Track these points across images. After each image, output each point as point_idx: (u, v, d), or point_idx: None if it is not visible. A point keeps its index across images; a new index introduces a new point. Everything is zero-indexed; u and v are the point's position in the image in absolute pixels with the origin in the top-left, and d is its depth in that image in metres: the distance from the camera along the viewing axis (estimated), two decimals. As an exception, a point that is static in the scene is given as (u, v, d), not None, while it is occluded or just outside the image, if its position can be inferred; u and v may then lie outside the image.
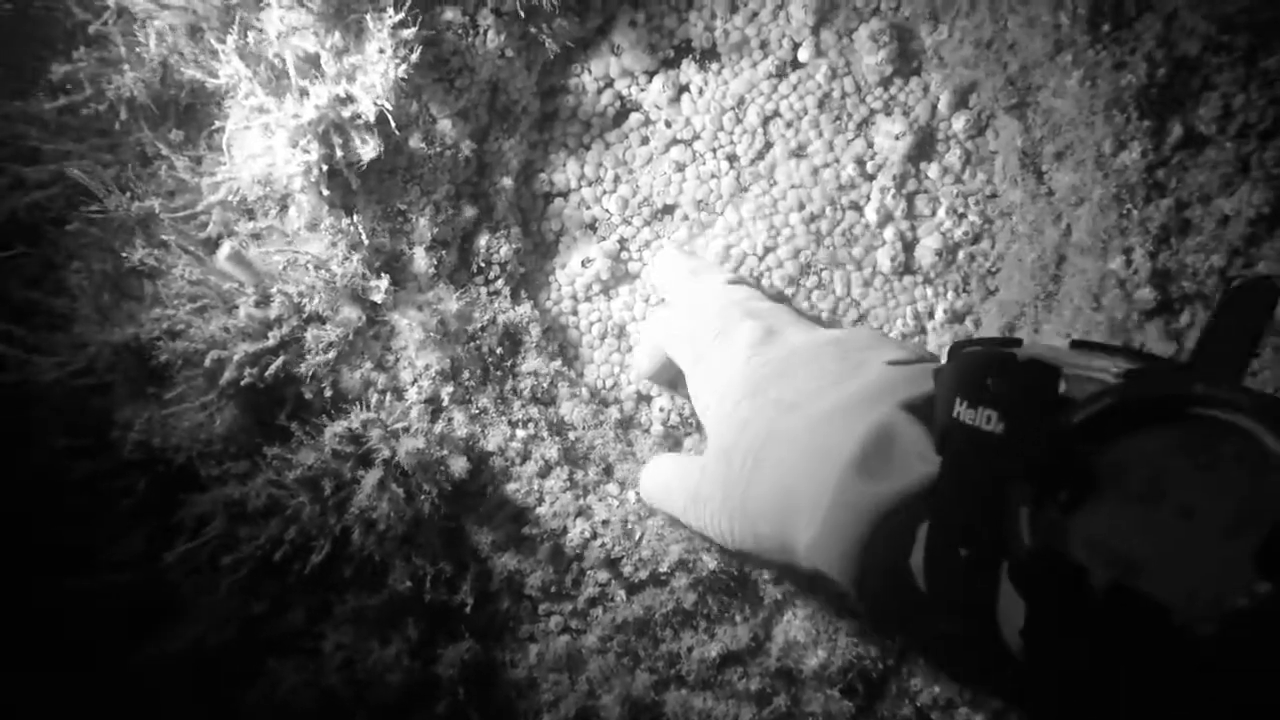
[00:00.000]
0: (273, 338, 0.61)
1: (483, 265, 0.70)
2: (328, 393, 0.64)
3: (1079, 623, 0.33)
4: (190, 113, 0.68)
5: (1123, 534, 0.33)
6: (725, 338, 0.62)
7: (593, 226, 0.75)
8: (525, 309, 0.70)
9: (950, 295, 0.77)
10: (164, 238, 0.60)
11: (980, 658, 0.41)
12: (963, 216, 0.76)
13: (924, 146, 0.76)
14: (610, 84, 0.74)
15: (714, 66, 0.75)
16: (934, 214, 0.77)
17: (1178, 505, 0.33)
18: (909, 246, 0.77)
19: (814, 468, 0.49)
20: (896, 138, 0.74)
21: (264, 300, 0.62)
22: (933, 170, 0.76)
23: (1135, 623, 0.32)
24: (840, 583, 0.49)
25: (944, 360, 0.47)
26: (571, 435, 0.70)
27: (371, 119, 0.59)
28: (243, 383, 0.61)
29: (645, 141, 0.75)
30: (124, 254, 0.59)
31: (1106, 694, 0.33)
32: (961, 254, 0.77)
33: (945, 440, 0.42)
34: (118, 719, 0.71)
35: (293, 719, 0.66)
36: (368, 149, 0.59)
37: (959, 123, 0.75)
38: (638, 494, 0.70)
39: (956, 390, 0.40)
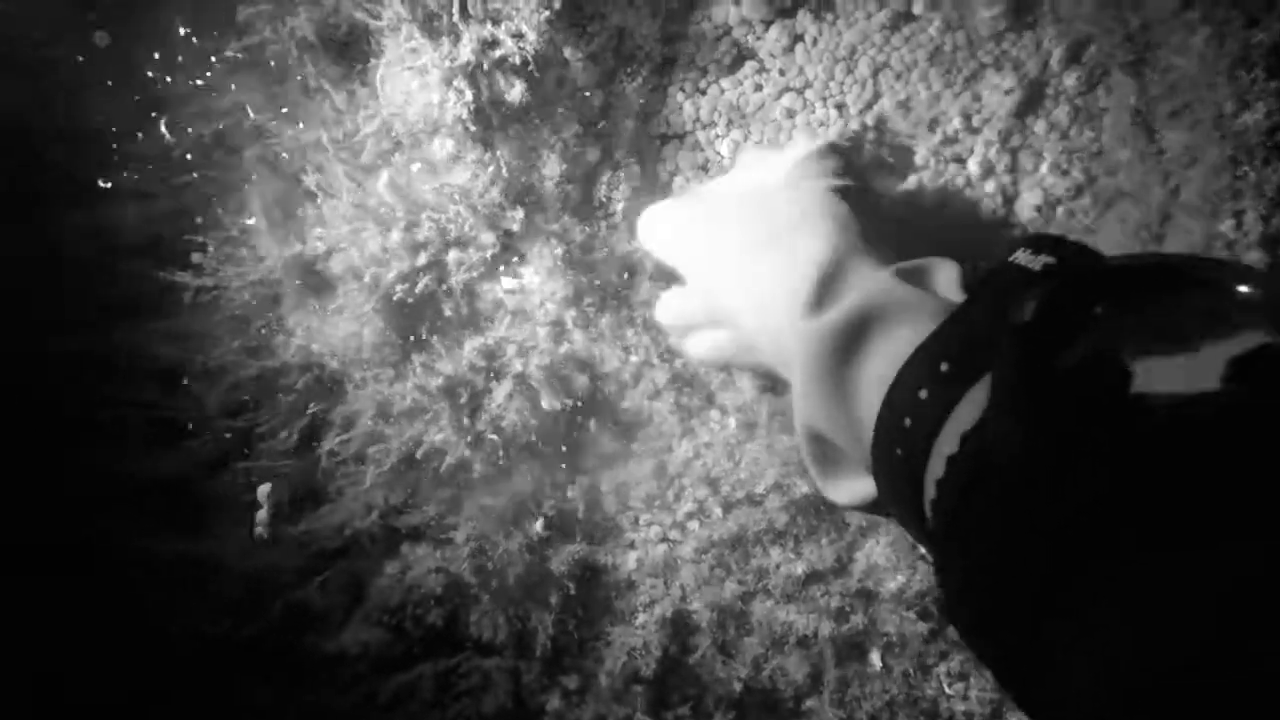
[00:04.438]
0: (421, 259, 0.68)
1: (604, 201, 0.75)
2: (464, 311, 0.71)
3: (1042, 388, 0.32)
4: (344, 50, 0.75)
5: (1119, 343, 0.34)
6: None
7: (704, 168, 0.79)
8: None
9: (1048, 249, 0.79)
10: (331, 166, 0.67)
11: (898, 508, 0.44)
12: (1066, 173, 0.78)
13: (1032, 102, 0.77)
14: (728, 32, 0.77)
15: (829, 17, 0.77)
16: (1036, 169, 0.78)
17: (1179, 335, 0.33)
18: (1009, 200, 0.79)
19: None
20: (1005, 92, 0.76)
21: (413, 225, 0.69)
22: (1039, 126, 0.78)
23: (1095, 384, 0.31)
24: (804, 368, 0.50)
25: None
26: (678, 363, 0.76)
27: (518, 62, 0.64)
28: (394, 298, 0.68)
29: (758, 89, 0.78)
30: (300, 178, 0.66)
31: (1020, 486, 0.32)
32: (1061, 210, 0.79)
33: (993, 274, 0.42)
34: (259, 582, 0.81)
35: (420, 598, 0.75)
36: (514, 92, 0.64)
37: (1070, 79, 0.76)
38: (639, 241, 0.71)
39: (1022, 243, 0.42)
